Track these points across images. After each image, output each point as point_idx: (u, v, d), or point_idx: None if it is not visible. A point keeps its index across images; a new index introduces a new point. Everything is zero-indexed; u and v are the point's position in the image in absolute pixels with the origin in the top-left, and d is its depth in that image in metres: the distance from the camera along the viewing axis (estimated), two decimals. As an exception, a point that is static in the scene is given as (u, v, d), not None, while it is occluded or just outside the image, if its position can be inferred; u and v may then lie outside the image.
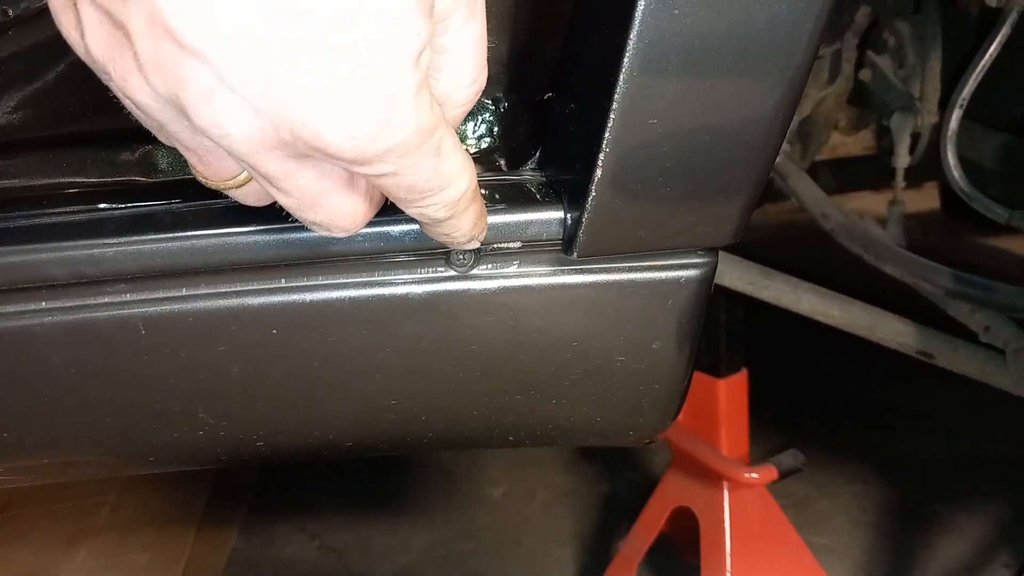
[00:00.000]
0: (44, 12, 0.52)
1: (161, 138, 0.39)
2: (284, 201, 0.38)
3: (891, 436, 2.06)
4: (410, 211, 0.41)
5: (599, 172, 0.48)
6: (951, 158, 1.07)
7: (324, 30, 0.30)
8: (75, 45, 0.35)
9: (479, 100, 0.55)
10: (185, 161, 0.48)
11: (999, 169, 1.29)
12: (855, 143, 1.71)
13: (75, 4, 0.33)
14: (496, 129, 0.58)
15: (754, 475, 1.25)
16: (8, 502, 1.93)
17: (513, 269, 0.55)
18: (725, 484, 1.29)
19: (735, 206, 0.52)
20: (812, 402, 2.16)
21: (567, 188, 0.53)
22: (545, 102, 0.57)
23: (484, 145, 0.58)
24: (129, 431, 0.57)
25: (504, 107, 0.58)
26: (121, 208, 0.53)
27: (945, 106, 1.32)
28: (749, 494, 1.30)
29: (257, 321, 0.53)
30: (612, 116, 0.46)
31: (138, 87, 0.33)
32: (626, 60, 0.44)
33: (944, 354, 1.13)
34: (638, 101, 0.45)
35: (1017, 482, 1.81)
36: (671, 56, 0.44)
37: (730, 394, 1.37)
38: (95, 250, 0.50)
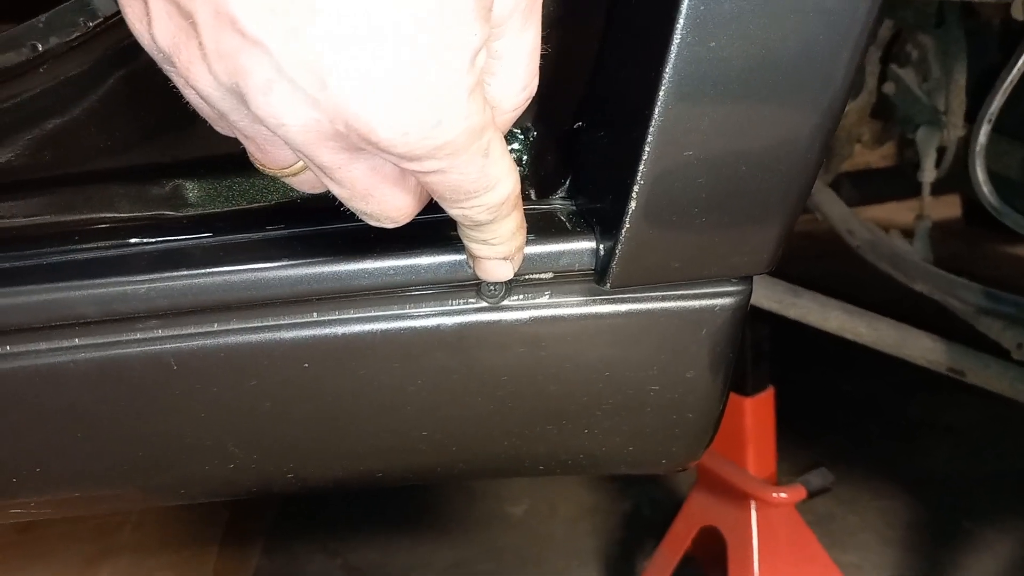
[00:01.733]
0: (74, 48, 0.52)
1: (219, 128, 0.40)
2: (337, 191, 0.39)
3: (917, 451, 2.03)
4: (452, 211, 0.42)
5: (633, 203, 0.47)
6: (980, 173, 1.05)
7: (382, 28, 0.32)
8: (140, 35, 0.36)
9: (508, 132, 0.55)
10: (213, 194, 0.48)
11: (1026, 182, 1.28)
12: (875, 154, 1.70)
13: None
14: (525, 158, 0.58)
15: (782, 495, 1.23)
16: (29, 523, 1.94)
17: (544, 300, 0.54)
18: (752, 503, 1.28)
19: (770, 235, 0.51)
20: (837, 418, 2.14)
21: (599, 218, 0.53)
22: (575, 131, 0.56)
23: (514, 174, 0.58)
24: (160, 465, 0.57)
25: (533, 136, 0.58)
26: (151, 243, 0.53)
27: (970, 119, 1.31)
28: (777, 513, 1.28)
29: (288, 355, 0.52)
30: (647, 147, 0.45)
31: (201, 75, 0.34)
32: (662, 91, 0.43)
33: (975, 371, 1.11)
34: (674, 132, 0.45)
35: (1047, 499, 1.78)
36: (707, 87, 0.44)
37: (757, 412, 1.35)
38: (127, 287, 0.50)
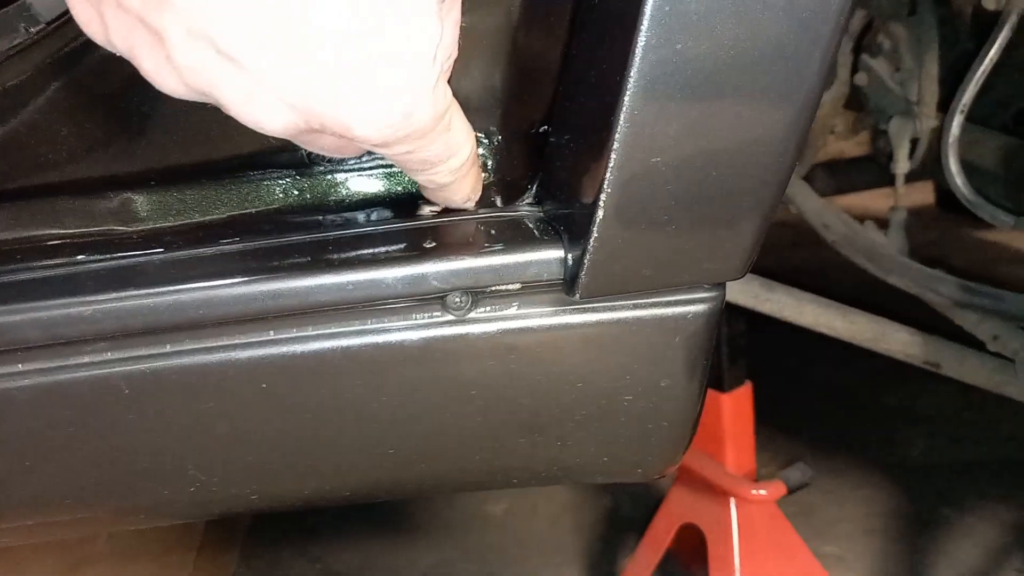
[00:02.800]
0: (11, 56, 0.50)
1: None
2: (313, 148, 0.42)
3: (895, 441, 2.03)
4: (417, 178, 0.46)
5: (601, 211, 0.46)
6: (953, 164, 1.05)
7: (352, 33, 0.33)
8: (94, 36, 0.36)
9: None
10: (164, 207, 0.48)
11: (999, 171, 1.27)
12: (849, 142, 1.69)
13: (98, 2, 0.35)
14: (490, 163, 0.56)
15: (762, 492, 1.22)
16: (3, 534, 1.89)
17: (512, 311, 0.53)
18: (732, 500, 1.27)
19: (744, 240, 0.50)
20: (814, 410, 2.14)
21: (567, 225, 0.51)
22: (540, 135, 0.55)
23: (479, 180, 0.56)
24: (117, 490, 0.54)
25: (498, 140, 0.56)
26: (99, 260, 0.50)
27: (943, 109, 1.30)
28: (757, 510, 1.28)
29: (245, 376, 0.50)
30: (614, 153, 0.43)
31: (168, 81, 0.35)
32: (627, 95, 0.42)
33: (951, 364, 1.11)
34: (640, 136, 0.43)
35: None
36: (674, 89, 0.42)
37: (734, 408, 1.35)
38: (73, 308, 0.47)
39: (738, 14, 0.40)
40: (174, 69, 0.34)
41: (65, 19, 0.49)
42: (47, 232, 0.52)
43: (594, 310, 0.53)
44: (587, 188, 0.47)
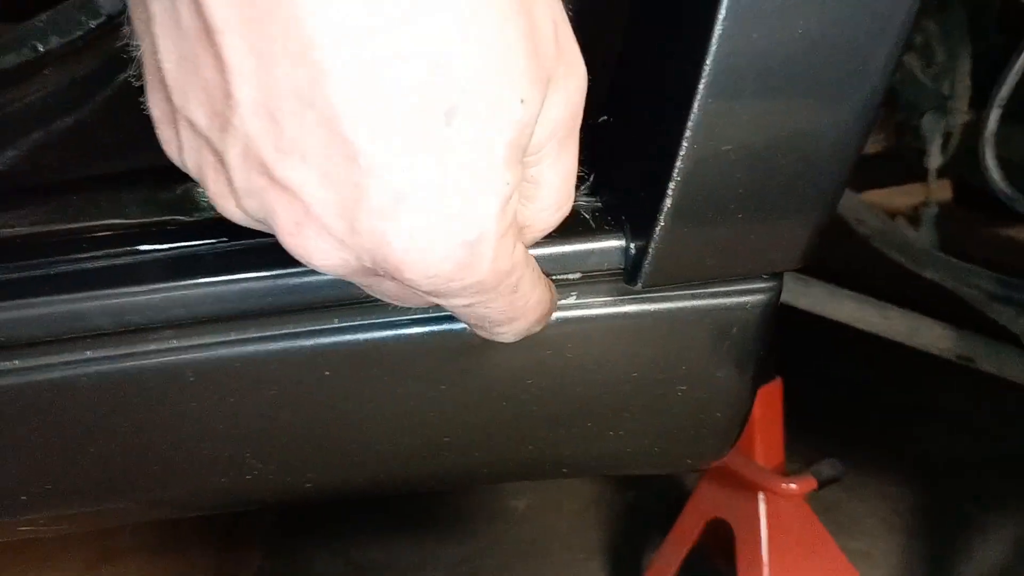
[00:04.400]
0: (78, 49, 0.50)
1: None
2: (377, 295, 0.41)
3: (918, 437, 2.03)
4: (476, 331, 0.42)
5: (668, 201, 0.46)
6: (990, 160, 1.04)
7: (411, 176, 0.31)
8: (172, 156, 0.36)
9: None
10: None
11: (1032, 166, 1.27)
12: (871, 140, 1.69)
13: (175, 122, 0.34)
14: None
15: (792, 486, 1.22)
16: (28, 527, 1.91)
17: (571, 301, 0.53)
18: (761, 495, 1.27)
19: (807, 230, 0.50)
20: (835, 406, 2.13)
21: (629, 215, 0.51)
22: (599, 125, 0.55)
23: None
24: (176, 478, 0.55)
25: (555, 131, 0.56)
26: (164, 250, 0.51)
27: (975, 104, 1.30)
28: (786, 505, 1.27)
29: (309, 363, 0.50)
30: (684, 142, 0.43)
31: (231, 209, 0.35)
32: (702, 84, 0.42)
33: (986, 358, 1.10)
34: (712, 127, 0.43)
35: (1050, 482, 1.78)
36: (747, 80, 0.42)
37: (764, 403, 1.34)
38: (140, 296, 0.48)
39: (813, 5, 0.40)
40: (232, 192, 0.34)
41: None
42: (111, 222, 0.52)
43: (653, 300, 0.53)
44: (653, 177, 0.47)
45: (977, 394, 2.04)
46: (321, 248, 0.33)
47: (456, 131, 0.31)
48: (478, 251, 0.33)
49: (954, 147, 1.29)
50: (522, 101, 0.32)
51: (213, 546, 1.84)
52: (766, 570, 1.27)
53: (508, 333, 0.41)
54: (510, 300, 0.38)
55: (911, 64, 1.31)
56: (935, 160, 1.25)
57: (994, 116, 1.05)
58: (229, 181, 0.33)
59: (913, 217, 1.34)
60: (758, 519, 1.27)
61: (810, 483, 1.23)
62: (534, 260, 0.40)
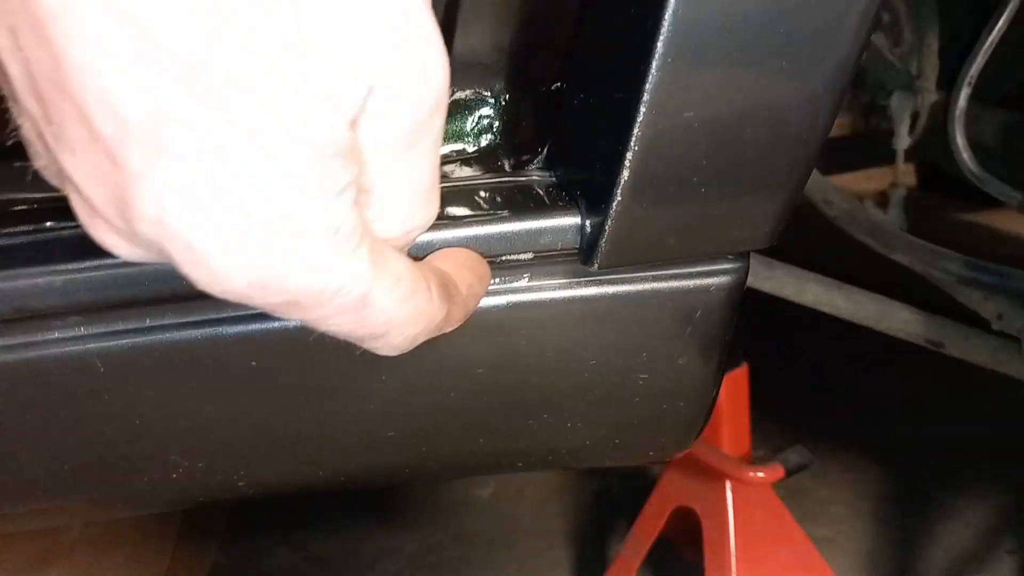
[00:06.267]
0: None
1: None
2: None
3: (881, 422, 2.02)
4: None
5: (626, 173, 0.42)
6: (960, 140, 1.02)
7: (179, 186, 0.27)
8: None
9: (476, 94, 0.48)
10: None
11: (1000, 148, 1.25)
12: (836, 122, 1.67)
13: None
14: (497, 125, 0.52)
15: (760, 475, 1.20)
16: (-27, 522, 1.83)
17: (523, 283, 0.49)
18: (728, 483, 1.24)
19: (775, 205, 0.46)
20: (799, 391, 2.12)
21: (584, 190, 0.47)
22: (552, 93, 0.51)
23: (484, 143, 0.52)
24: (92, 479, 0.50)
25: (505, 100, 0.52)
26: (70, 227, 0.46)
27: (943, 85, 1.28)
28: (753, 492, 1.25)
29: (233, 352, 0.46)
30: (642, 109, 0.40)
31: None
32: (660, 42, 0.38)
33: (955, 343, 1.09)
34: (672, 91, 0.39)
35: (1014, 465, 1.78)
36: (711, 38, 0.38)
37: (730, 390, 1.32)
38: (41, 278, 0.43)
39: (783, -48, 0.37)
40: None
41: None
42: (11, 196, 0.47)
43: (611, 282, 0.49)
44: (610, 147, 0.43)
45: (940, 379, 2.04)
46: (118, 243, 0.30)
47: (233, 134, 0.27)
48: (268, 267, 0.29)
49: (922, 128, 1.27)
50: (323, 113, 0.28)
51: (167, 541, 1.78)
52: (733, 559, 1.25)
53: (383, 348, 0.36)
54: (358, 317, 0.33)
55: (879, 43, 1.28)
56: (903, 141, 1.23)
57: (964, 95, 1.02)
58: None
59: (880, 201, 1.32)
60: (725, 507, 1.25)
61: (777, 471, 1.20)
62: (413, 270, 0.35)
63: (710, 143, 0.41)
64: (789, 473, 1.20)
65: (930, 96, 1.24)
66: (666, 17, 0.37)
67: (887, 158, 1.38)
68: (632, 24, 0.40)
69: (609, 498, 1.82)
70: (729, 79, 0.40)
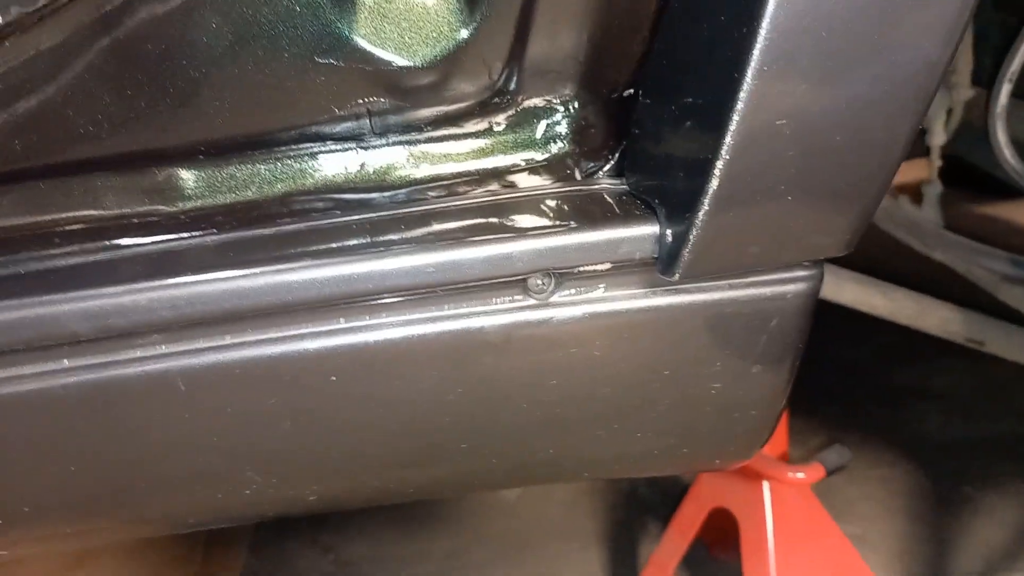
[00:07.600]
0: (44, 18, 0.44)
1: None
2: None
3: (909, 418, 2.01)
4: None
5: (715, 181, 0.41)
6: (1001, 136, 1.00)
7: None
8: None
9: (547, 102, 0.48)
10: (214, 183, 0.41)
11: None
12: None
13: None
14: (567, 132, 0.51)
15: (800, 475, 1.19)
16: (3, 529, 1.84)
17: (598, 294, 0.48)
18: (766, 484, 1.23)
19: (857, 212, 0.45)
20: (827, 389, 2.11)
21: (663, 198, 0.46)
22: (623, 100, 0.50)
23: (554, 151, 0.51)
24: (168, 495, 0.50)
25: (575, 107, 0.51)
26: (146, 244, 0.45)
27: (979, 82, 1.26)
28: (791, 493, 1.24)
29: (313, 368, 0.45)
30: (735, 117, 0.39)
31: None
32: (756, 51, 0.37)
33: (996, 341, 1.08)
34: (767, 99, 0.38)
35: (1045, 460, 1.77)
36: (806, 46, 0.37)
37: (766, 389, 1.31)
38: (122, 297, 0.42)
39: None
40: None
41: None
42: (85, 213, 0.47)
43: (688, 291, 0.48)
44: (695, 155, 0.42)
45: (966, 375, 2.03)
46: None
47: None
48: None
49: (957, 123, 1.26)
50: None
51: (197, 545, 1.78)
52: (772, 560, 1.24)
53: None
54: None
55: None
56: (938, 137, 1.22)
57: (1005, 91, 1.01)
58: None
59: (913, 197, 1.31)
60: (763, 508, 1.24)
61: (818, 472, 1.19)
62: None
63: (800, 150, 0.41)
64: (829, 473, 1.19)
65: (965, 92, 1.22)
66: (763, 25, 0.36)
67: (913, 153, 1.38)
68: (723, 32, 0.39)
69: (637, 500, 1.81)
70: (822, 86, 0.39)
